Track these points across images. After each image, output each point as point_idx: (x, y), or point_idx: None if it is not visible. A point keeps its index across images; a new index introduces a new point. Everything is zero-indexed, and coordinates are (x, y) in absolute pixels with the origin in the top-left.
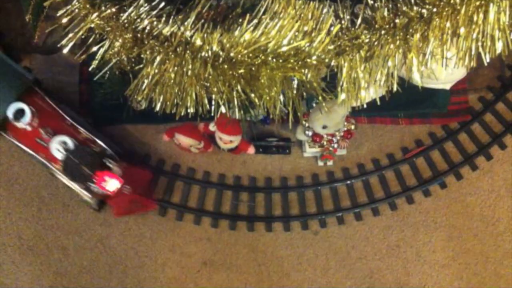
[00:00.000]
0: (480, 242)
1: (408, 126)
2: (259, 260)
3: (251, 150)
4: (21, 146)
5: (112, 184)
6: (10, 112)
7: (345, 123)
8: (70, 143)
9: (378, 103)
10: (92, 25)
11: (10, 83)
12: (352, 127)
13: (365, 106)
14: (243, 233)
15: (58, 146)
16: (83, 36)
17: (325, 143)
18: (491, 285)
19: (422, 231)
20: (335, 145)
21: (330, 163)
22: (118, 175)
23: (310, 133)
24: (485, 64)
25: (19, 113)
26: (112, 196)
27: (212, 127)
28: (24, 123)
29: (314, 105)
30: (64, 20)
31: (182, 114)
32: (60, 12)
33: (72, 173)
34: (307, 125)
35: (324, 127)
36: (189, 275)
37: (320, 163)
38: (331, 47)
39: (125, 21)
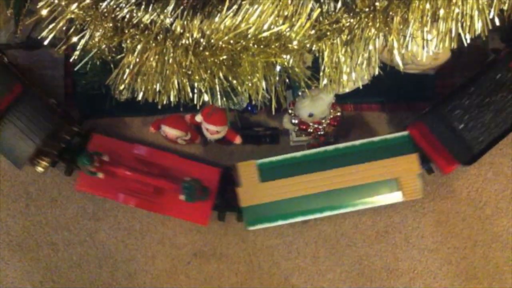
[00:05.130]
0: (468, 226)
1: (395, 112)
2: (249, 250)
3: (238, 140)
4: None
5: None
6: None
7: (331, 111)
8: None
9: (361, 87)
10: (72, 16)
11: None
12: (338, 114)
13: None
14: (232, 224)
15: None
16: (64, 28)
17: (311, 131)
18: (480, 269)
19: (410, 216)
20: (322, 132)
21: None
22: None
23: (296, 122)
24: (465, 44)
25: None
26: None
27: (198, 118)
28: None
29: (300, 93)
30: (44, 12)
31: (165, 102)
32: (40, 4)
33: None
34: (293, 113)
35: (310, 115)
36: (180, 267)
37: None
38: (312, 31)
39: (105, 10)
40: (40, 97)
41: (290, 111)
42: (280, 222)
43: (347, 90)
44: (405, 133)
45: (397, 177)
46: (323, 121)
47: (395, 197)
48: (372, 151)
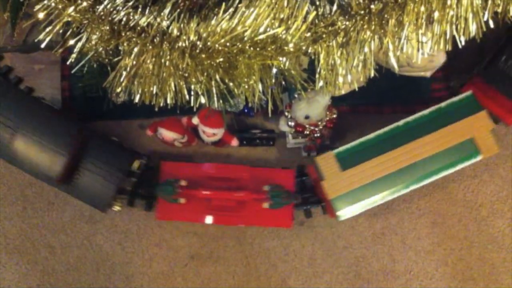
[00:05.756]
0: (464, 227)
1: (391, 114)
2: (246, 252)
3: (235, 142)
4: None
5: None
6: None
7: (327, 113)
8: None
9: (356, 89)
10: (69, 19)
11: None
12: (334, 116)
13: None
14: (229, 226)
15: None
16: (60, 31)
17: (308, 133)
18: (476, 270)
19: (406, 218)
20: (318, 134)
21: (313, 153)
22: None
23: (293, 124)
24: (460, 47)
25: None
26: None
27: (195, 120)
28: None
29: (296, 96)
30: (41, 15)
31: (161, 105)
32: (37, 7)
33: None
34: (289, 116)
35: (307, 117)
36: (177, 269)
37: (304, 154)
38: (308, 34)
39: (102, 13)
40: (105, 137)
41: (286, 113)
42: (369, 206)
43: (343, 92)
44: (468, 93)
45: (472, 137)
46: (320, 123)
47: (474, 157)
48: (441, 118)
